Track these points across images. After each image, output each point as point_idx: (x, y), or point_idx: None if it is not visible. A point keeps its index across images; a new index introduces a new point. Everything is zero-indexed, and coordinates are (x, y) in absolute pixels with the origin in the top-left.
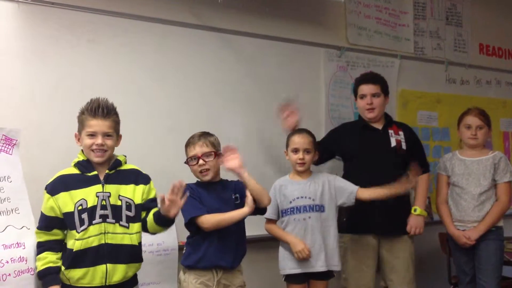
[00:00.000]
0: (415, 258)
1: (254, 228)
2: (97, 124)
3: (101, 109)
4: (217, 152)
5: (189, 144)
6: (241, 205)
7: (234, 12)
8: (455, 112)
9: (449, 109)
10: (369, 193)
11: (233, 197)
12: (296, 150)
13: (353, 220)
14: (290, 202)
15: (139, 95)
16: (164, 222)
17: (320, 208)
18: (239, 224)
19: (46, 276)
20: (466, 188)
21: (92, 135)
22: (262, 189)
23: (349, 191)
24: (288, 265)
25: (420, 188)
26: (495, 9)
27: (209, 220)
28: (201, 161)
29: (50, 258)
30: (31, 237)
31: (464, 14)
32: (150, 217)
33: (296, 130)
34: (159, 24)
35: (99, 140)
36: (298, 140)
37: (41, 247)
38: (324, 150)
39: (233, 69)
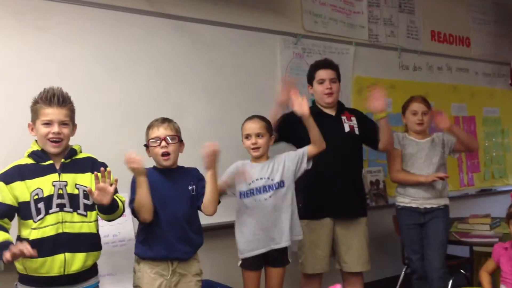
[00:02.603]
0: (371, 241)
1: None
2: (53, 113)
3: (56, 97)
4: (180, 138)
5: (152, 126)
6: (198, 194)
7: None
8: (408, 98)
9: (402, 95)
10: (314, 142)
11: (189, 188)
12: (248, 136)
13: (309, 205)
14: (249, 184)
15: (92, 84)
16: (103, 210)
17: (279, 185)
18: (189, 214)
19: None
20: (419, 167)
21: (48, 123)
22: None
23: (302, 152)
24: (247, 249)
25: None
26: None
27: (136, 212)
28: (163, 143)
29: (4, 236)
30: None
31: (416, 1)
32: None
33: (248, 117)
34: (111, 10)
35: (55, 128)
36: (249, 126)
37: None
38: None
39: (188, 57)
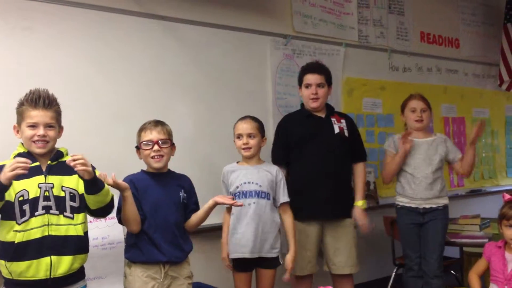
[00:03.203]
0: (361, 242)
1: None
2: (39, 115)
3: (42, 99)
4: (172, 142)
5: (144, 128)
6: (188, 205)
7: None
8: (398, 99)
9: (392, 96)
10: None
11: (180, 194)
12: (239, 136)
13: (297, 206)
14: (237, 187)
15: (80, 85)
16: (88, 188)
17: (266, 196)
18: (180, 220)
19: None
20: (418, 167)
21: (33, 126)
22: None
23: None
24: (237, 250)
25: (359, 178)
26: None
27: (124, 224)
28: (156, 147)
29: None
30: None
31: (406, 2)
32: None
33: (240, 118)
34: (99, 11)
35: (40, 131)
36: (241, 126)
37: None
38: (282, 148)
39: (177, 58)
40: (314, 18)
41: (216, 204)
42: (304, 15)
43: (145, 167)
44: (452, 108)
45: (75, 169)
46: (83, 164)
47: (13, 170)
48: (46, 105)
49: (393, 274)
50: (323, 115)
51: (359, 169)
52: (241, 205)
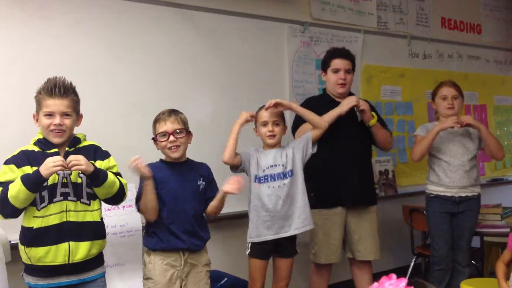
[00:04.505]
0: (380, 230)
1: None
2: (55, 104)
3: (57, 88)
4: (188, 130)
5: (159, 120)
6: (205, 195)
7: None
8: (418, 86)
9: (412, 83)
10: (313, 125)
11: (199, 183)
12: (265, 123)
13: (321, 194)
14: (264, 170)
15: (98, 73)
16: (90, 182)
17: (291, 173)
18: (198, 210)
19: (28, 178)
20: (455, 155)
21: (50, 115)
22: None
23: (306, 138)
24: (261, 233)
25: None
26: None
27: (142, 212)
28: (172, 138)
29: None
30: None
31: None
32: None
33: (262, 106)
34: (117, 0)
35: (57, 120)
36: (266, 114)
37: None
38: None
39: (194, 46)
40: (332, 5)
41: (226, 193)
42: (322, 2)
43: (163, 156)
44: (473, 95)
45: (72, 169)
46: (77, 165)
47: (55, 166)
48: (61, 93)
49: (412, 263)
50: None
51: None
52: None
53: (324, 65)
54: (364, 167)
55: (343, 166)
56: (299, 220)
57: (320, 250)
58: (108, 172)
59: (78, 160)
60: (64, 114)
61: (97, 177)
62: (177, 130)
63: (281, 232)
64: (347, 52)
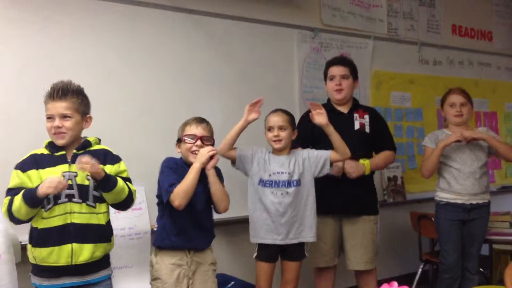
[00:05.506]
0: (388, 237)
1: (229, 210)
2: (53, 107)
3: (56, 91)
4: (213, 141)
5: (189, 123)
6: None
7: None
8: (428, 93)
9: (422, 90)
10: (337, 150)
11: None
12: (271, 128)
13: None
14: (270, 175)
15: (109, 78)
16: (99, 187)
17: (297, 183)
18: (205, 207)
19: (30, 192)
20: (465, 162)
21: (50, 118)
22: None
23: (325, 157)
24: (260, 235)
25: (379, 155)
26: None
27: (176, 196)
28: (199, 142)
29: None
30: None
31: None
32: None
33: (272, 111)
34: (127, 5)
35: (56, 122)
36: (273, 119)
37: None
38: (301, 141)
39: (204, 51)
40: (343, 11)
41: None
42: (332, 8)
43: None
44: (484, 102)
45: (85, 171)
46: (83, 168)
47: (49, 188)
48: (59, 96)
49: (420, 270)
50: (346, 110)
51: (382, 152)
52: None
53: (325, 76)
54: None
55: (333, 177)
56: (300, 230)
57: (311, 254)
58: (118, 179)
59: (87, 164)
60: (63, 116)
61: (107, 183)
62: (205, 138)
63: (278, 240)
64: (343, 59)
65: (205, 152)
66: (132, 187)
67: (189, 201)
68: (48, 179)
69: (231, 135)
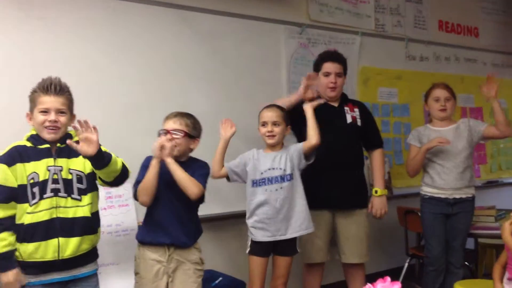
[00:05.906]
0: (374, 231)
1: (218, 206)
2: (50, 101)
3: (53, 85)
4: (187, 133)
5: (166, 117)
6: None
7: None
8: (414, 89)
9: (409, 86)
10: (308, 135)
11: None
12: (264, 124)
13: (307, 195)
14: (262, 173)
15: (94, 73)
16: (96, 163)
17: (290, 177)
18: (188, 203)
19: (5, 259)
20: (447, 156)
21: (45, 111)
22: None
23: (298, 150)
24: (255, 232)
25: (376, 166)
26: None
27: (139, 193)
28: (168, 136)
29: (10, 240)
30: None
31: None
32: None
33: (265, 106)
34: (114, 0)
35: (52, 116)
36: (266, 114)
37: (0, 226)
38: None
39: (191, 47)
40: (330, 7)
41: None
42: (320, 3)
43: None
44: (469, 98)
45: (78, 148)
46: (93, 141)
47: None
48: (57, 91)
49: (406, 264)
50: (336, 104)
51: (376, 156)
52: None
53: (316, 68)
54: (353, 169)
55: (330, 168)
56: (297, 223)
57: (305, 250)
58: (106, 149)
59: (94, 138)
60: (60, 112)
61: (102, 157)
62: (175, 131)
63: (278, 235)
64: (339, 55)
65: (155, 144)
66: (119, 159)
67: (153, 197)
68: None
69: (216, 157)
